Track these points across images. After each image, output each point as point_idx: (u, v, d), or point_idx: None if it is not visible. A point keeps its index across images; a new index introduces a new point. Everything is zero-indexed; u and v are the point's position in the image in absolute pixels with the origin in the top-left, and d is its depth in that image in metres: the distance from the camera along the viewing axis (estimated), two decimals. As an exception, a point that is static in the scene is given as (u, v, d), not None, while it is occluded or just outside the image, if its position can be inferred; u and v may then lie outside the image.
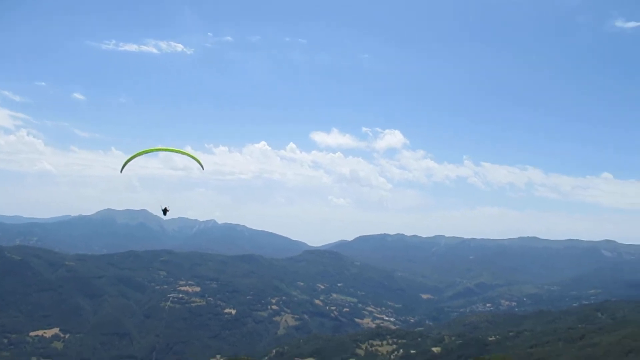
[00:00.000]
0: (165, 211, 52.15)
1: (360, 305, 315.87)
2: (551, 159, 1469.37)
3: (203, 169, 51.92)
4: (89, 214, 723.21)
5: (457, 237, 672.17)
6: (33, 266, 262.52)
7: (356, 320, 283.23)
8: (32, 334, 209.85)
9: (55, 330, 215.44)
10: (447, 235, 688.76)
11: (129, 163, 48.43)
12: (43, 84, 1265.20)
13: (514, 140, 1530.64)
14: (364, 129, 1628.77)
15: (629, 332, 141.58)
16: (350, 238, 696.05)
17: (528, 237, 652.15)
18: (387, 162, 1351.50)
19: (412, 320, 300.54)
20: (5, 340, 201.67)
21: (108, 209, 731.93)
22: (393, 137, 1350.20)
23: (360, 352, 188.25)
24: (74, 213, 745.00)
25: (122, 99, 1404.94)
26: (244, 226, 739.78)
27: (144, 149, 48.39)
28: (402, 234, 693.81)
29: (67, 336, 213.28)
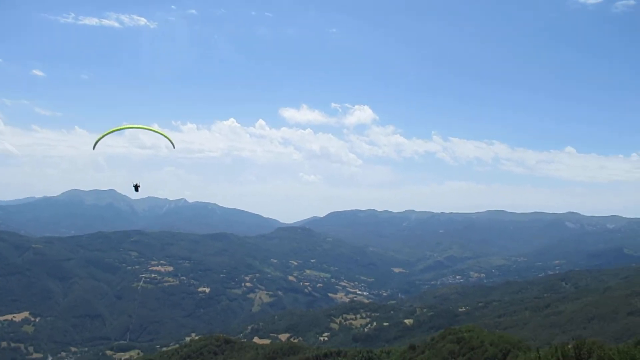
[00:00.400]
0: (137, 187, 51.23)
1: (333, 280, 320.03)
2: (517, 133, 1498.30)
3: (174, 147, 51.02)
4: (54, 195, 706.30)
5: (427, 212, 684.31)
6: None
7: (330, 295, 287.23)
8: (1, 318, 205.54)
9: (25, 314, 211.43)
10: (417, 210, 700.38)
11: (101, 140, 47.27)
12: (0, 60, 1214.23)
13: (481, 116, 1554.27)
14: (333, 104, 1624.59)
15: (592, 300, 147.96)
16: (322, 214, 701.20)
17: (495, 210, 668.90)
18: (357, 138, 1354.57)
19: (384, 294, 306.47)
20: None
21: (74, 190, 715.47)
22: (362, 113, 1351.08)
23: (335, 326, 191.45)
24: (39, 194, 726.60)
25: (83, 75, 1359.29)
26: (215, 204, 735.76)
27: (117, 127, 47.25)
28: (374, 210, 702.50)
29: (37, 319, 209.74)
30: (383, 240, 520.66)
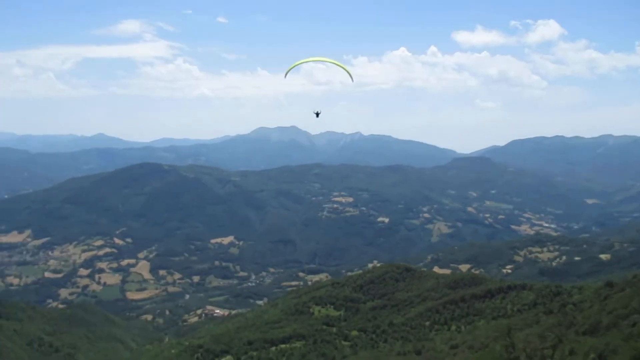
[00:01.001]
0: (317, 114, 54.74)
1: (516, 212, 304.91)
2: None
3: (352, 80, 52.26)
4: (245, 133, 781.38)
5: (629, 136, 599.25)
6: (205, 183, 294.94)
7: (512, 227, 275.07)
8: (213, 241, 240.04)
9: (231, 238, 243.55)
10: (615, 135, 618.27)
11: (286, 76, 51.37)
12: (189, 11, 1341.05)
13: None
14: (512, 22, 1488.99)
15: None
16: (502, 143, 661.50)
17: None
18: (541, 57, 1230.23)
19: (575, 227, 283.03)
20: (192, 247, 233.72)
21: (262, 128, 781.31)
22: (547, 29, 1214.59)
23: (519, 258, 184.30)
24: (233, 133, 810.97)
25: (261, 18, 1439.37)
26: (389, 136, 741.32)
27: (304, 59, 50.49)
28: (561, 136, 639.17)
29: (241, 243, 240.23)
30: (573, 168, 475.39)
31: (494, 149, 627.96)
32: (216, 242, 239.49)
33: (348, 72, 50.08)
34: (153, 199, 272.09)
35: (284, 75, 51.31)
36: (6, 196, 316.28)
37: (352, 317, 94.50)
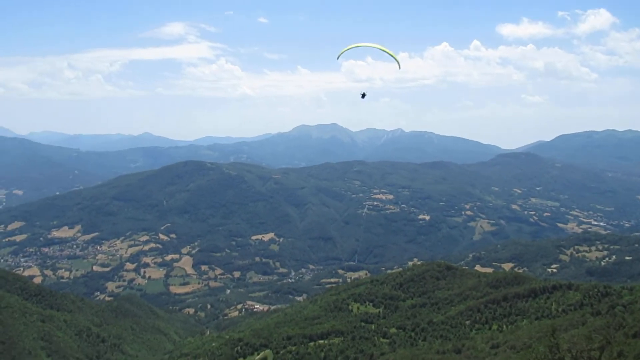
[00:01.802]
0: (363, 95, 55.68)
1: (563, 209, 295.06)
2: None
3: (400, 67, 52.42)
4: (286, 130, 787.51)
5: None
6: (247, 180, 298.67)
7: (559, 225, 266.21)
8: (254, 237, 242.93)
9: (271, 234, 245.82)
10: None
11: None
12: (231, 12, 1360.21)
13: None
14: (560, 13, 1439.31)
15: None
16: (548, 138, 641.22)
17: None
18: (591, 48, 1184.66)
19: (627, 225, 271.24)
20: (234, 243, 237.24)
21: (302, 125, 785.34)
22: (598, 18, 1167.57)
23: (565, 257, 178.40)
24: (274, 131, 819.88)
25: (301, 17, 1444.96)
26: (431, 133, 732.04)
27: (353, 44, 51.03)
28: (613, 130, 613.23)
29: (281, 240, 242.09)
30: (626, 164, 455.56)
31: (540, 145, 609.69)
32: (257, 239, 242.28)
33: (396, 59, 49.93)
34: (196, 195, 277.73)
35: (336, 57, 52.27)
36: (58, 193, 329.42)
37: (391, 314, 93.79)
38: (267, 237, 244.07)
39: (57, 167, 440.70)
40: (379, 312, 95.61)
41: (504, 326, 75.72)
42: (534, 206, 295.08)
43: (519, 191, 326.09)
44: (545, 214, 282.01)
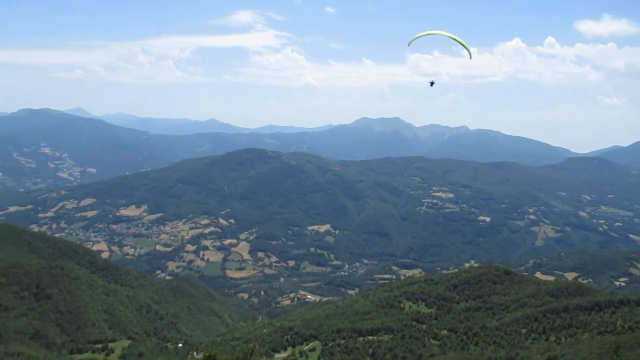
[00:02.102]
0: (432, 83, 55.16)
1: (637, 220, 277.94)
2: None
3: (471, 57, 51.44)
4: (348, 123, 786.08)
5: None
6: (306, 170, 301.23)
7: (631, 236, 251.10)
8: (310, 228, 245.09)
9: (327, 226, 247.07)
10: None
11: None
12: (299, 1, 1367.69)
13: None
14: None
15: None
16: (625, 143, 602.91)
17: None
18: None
19: None
20: (290, 232, 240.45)
21: (364, 118, 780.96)
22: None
23: (635, 271, 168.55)
24: (335, 122, 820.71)
25: (369, 8, 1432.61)
26: (497, 132, 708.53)
27: (428, 31, 50.65)
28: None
29: (337, 232, 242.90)
30: None
31: (616, 150, 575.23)
32: (313, 229, 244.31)
33: (467, 48, 48.94)
34: (257, 183, 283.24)
35: (407, 43, 52.03)
36: (127, 173, 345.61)
37: (444, 316, 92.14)
38: (323, 228, 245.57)
39: (127, 148, 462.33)
40: (431, 312, 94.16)
41: (563, 338, 72.58)
42: (604, 214, 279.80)
43: (589, 198, 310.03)
44: (617, 223, 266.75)
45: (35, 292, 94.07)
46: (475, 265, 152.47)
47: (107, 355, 79.86)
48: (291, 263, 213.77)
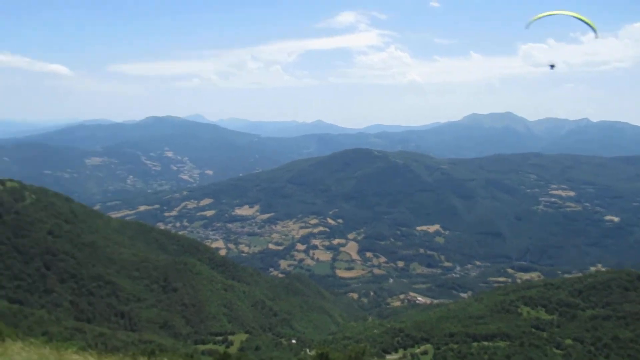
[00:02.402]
0: (552, 66, 52.08)
1: None
2: None
3: (597, 36, 47.86)
4: (456, 119, 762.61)
5: None
6: (413, 169, 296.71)
7: None
8: (418, 228, 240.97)
9: (437, 226, 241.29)
10: None
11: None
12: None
13: None
14: None
15: None
16: None
17: None
18: None
19: None
20: (398, 232, 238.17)
21: (473, 114, 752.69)
22: None
23: None
24: (443, 119, 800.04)
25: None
26: (625, 123, 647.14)
27: (547, 12, 48.19)
28: None
29: (447, 232, 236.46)
30: None
31: None
32: (422, 230, 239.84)
33: (592, 27, 45.54)
34: (363, 183, 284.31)
35: (525, 26, 49.87)
36: (241, 174, 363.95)
37: (567, 324, 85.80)
38: (432, 228, 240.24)
39: (240, 150, 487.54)
40: (553, 319, 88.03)
41: None
42: None
43: None
44: None
45: (163, 285, 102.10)
46: (603, 269, 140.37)
47: (227, 347, 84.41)
48: (400, 264, 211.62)
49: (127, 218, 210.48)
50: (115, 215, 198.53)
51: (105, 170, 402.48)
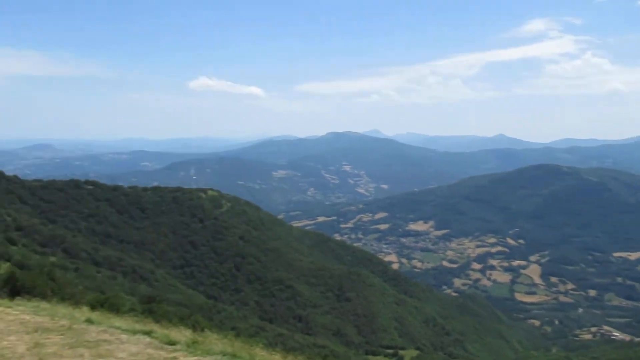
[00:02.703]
0: None
1: None
2: None
3: None
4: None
5: None
6: (610, 188, 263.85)
7: None
8: (616, 254, 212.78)
9: (639, 254, 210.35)
10: None
11: None
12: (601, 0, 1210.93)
13: None
14: None
15: None
16: None
17: None
18: None
19: None
20: (590, 257, 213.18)
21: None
22: None
23: None
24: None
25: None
26: None
27: None
28: None
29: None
30: None
31: None
32: (620, 256, 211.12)
33: None
34: (549, 201, 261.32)
35: None
36: (416, 189, 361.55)
37: None
38: (634, 255, 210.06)
39: (416, 165, 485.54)
40: None
41: None
42: None
43: None
44: None
45: (337, 294, 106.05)
46: None
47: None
48: (592, 292, 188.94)
49: (307, 228, 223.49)
50: (296, 224, 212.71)
51: (289, 182, 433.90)
